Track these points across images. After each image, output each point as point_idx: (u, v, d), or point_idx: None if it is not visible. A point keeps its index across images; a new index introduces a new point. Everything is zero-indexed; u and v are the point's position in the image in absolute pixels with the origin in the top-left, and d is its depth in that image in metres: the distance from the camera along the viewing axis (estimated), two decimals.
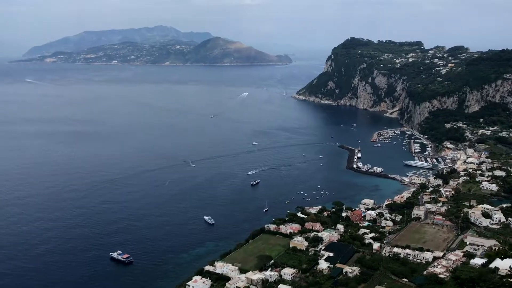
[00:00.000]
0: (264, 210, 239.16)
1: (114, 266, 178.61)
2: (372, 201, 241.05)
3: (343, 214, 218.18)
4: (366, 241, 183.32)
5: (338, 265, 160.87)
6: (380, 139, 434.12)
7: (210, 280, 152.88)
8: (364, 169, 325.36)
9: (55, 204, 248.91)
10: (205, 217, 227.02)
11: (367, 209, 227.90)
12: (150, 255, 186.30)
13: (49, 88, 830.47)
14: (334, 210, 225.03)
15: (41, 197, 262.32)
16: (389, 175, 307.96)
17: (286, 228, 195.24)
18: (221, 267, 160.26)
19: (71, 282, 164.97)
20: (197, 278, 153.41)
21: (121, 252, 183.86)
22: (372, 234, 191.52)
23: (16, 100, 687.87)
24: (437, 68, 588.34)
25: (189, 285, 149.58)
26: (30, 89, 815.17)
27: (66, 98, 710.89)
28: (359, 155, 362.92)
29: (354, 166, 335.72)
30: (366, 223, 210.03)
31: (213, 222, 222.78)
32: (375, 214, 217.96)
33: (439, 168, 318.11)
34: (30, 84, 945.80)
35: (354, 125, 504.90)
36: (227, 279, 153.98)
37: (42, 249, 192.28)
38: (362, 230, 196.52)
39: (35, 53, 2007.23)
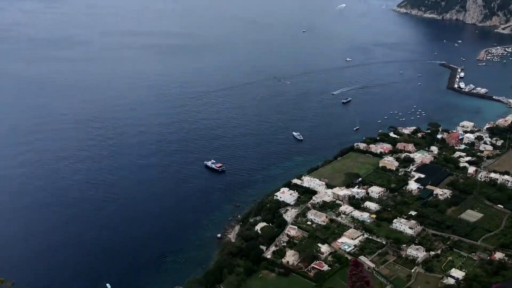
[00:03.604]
0: (354, 129, 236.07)
1: (208, 173, 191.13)
2: (472, 123, 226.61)
3: (439, 136, 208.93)
4: (461, 164, 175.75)
5: (428, 186, 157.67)
6: (488, 57, 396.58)
7: (297, 193, 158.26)
8: (466, 90, 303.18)
9: (153, 117, 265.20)
10: (294, 133, 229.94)
11: (465, 132, 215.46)
12: (240, 166, 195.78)
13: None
14: (429, 131, 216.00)
15: (135, 112, 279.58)
16: (493, 97, 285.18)
17: (377, 148, 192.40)
18: (308, 181, 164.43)
19: (171, 183, 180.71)
20: (284, 189, 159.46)
21: (214, 161, 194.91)
22: (468, 158, 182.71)
23: (116, 13, 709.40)
24: None
25: (277, 196, 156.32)
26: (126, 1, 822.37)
27: (158, 11, 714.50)
28: (462, 74, 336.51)
29: (456, 86, 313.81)
30: (462, 146, 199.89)
31: (302, 138, 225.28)
32: (474, 138, 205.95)
33: None
34: None
35: (459, 41, 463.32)
36: (314, 192, 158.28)
37: (143, 159, 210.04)
38: (457, 153, 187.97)
39: None
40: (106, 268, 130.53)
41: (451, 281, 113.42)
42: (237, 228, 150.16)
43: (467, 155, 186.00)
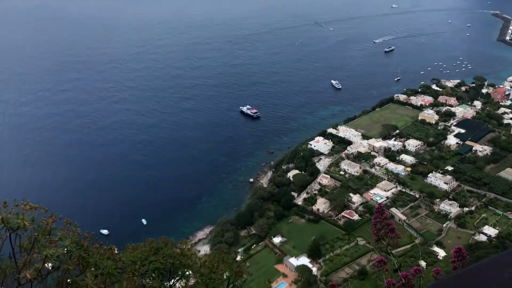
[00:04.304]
0: (395, 79, 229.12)
1: (243, 119, 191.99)
2: None
3: (483, 91, 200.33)
4: (505, 121, 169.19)
5: (468, 142, 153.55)
6: None
7: (331, 142, 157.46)
8: None
9: (190, 62, 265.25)
10: (333, 81, 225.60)
11: None
12: (276, 113, 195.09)
13: None
14: (473, 85, 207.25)
15: (173, 54, 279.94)
16: None
17: (417, 100, 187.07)
18: (344, 131, 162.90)
19: (207, 127, 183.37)
20: (319, 138, 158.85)
21: (250, 107, 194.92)
22: None
23: None
24: None
25: (311, 144, 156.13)
26: None
27: None
28: None
29: (507, 38, 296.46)
30: (508, 103, 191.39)
31: (340, 87, 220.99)
32: None
33: None
34: None
35: None
36: (349, 143, 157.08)
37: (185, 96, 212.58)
38: (502, 109, 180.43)
39: None
40: (143, 206, 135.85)
41: (482, 237, 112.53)
42: (269, 174, 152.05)
43: None
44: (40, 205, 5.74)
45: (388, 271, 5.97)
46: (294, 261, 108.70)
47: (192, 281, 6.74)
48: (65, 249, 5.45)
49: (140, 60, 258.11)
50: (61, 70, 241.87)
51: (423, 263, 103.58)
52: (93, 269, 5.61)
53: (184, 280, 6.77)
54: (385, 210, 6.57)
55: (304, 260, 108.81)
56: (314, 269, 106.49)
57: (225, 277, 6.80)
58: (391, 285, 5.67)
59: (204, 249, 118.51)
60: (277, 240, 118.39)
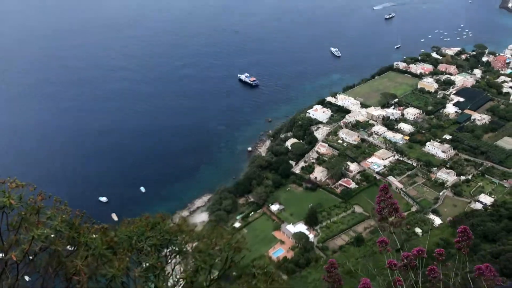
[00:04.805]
0: (395, 47, 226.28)
1: (241, 87, 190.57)
2: None
3: (484, 59, 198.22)
4: (504, 89, 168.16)
5: (466, 111, 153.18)
6: None
7: (330, 111, 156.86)
8: None
9: (187, 29, 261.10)
10: (332, 49, 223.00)
11: None
12: (274, 81, 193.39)
13: None
14: (474, 53, 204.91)
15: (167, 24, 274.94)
16: None
17: (417, 68, 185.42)
18: (342, 100, 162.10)
19: (205, 95, 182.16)
20: (317, 107, 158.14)
21: (248, 75, 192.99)
22: None
23: None
24: None
25: (309, 113, 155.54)
26: None
27: None
28: None
29: (510, 5, 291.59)
30: (508, 71, 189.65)
31: (340, 54, 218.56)
32: None
33: None
34: None
35: None
36: (347, 111, 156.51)
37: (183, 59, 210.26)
38: (502, 78, 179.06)
39: None
40: (142, 174, 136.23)
41: (478, 206, 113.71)
42: (267, 142, 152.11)
43: None
44: (28, 182, 5.51)
45: (390, 252, 5.79)
46: (292, 228, 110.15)
47: (189, 258, 6.57)
48: (54, 229, 5.24)
49: (138, 27, 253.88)
50: (55, 37, 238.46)
51: (418, 230, 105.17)
52: (83, 249, 5.41)
53: (181, 257, 6.60)
54: (388, 188, 6.34)
55: (301, 227, 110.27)
56: (311, 236, 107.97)
57: (222, 253, 6.63)
58: (392, 266, 5.50)
59: (202, 217, 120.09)
60: (275, 207, 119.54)
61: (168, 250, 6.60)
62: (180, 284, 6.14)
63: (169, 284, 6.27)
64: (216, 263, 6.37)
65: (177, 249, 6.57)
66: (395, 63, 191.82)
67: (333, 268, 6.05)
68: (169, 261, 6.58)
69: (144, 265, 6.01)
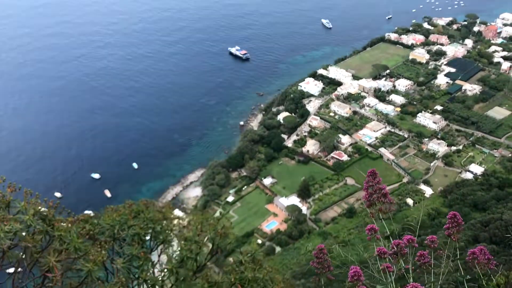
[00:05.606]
0: (386, 18, 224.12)
1: (232, 61, 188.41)
2: None
3: (475, 29, 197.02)
4: (495, 59, 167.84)
5: (458, 81, 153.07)
6: None
7: (322, 83, 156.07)
8: None
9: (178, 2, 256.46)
10: (323, 20, 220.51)
11: (505, 25, 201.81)
12: (265, 55, 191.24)
13: None
14: (465, 23, 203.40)
15: None
16: None
17: (408, 39, 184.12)
18: (334, 72, 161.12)
19: (196, 70, 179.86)
20: (309, 80, 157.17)
21: (239, 48, 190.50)
22: (504, 53, 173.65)
23: None
24: None
25: (301, 86, 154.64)
26: None
27: None
28: None
29: None
30: (499, 41, 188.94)
31: (331, 26, 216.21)
32: None
33: None
34: None
35: None
36: (339, 84, 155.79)
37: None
38: (493, 48, 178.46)
39: None
40: (134, 151, 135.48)
41: (469, 175, 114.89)
42: (259, 116, 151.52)
43: (503, 50, 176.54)
44: None
45: (379, 239, 5.58)
46: (284, 201, 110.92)
47: (175, 246, 6.34)
48: (26, 223, 4.94)
49: (126, 3, 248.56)
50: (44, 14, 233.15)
51: (410, 201, 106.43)
52: (57, 243, 5.13)
53: (166, 245, 6.36)
54: (376, 172, 6.10)
55: (294, 200, 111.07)
56: (304, 208, 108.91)
57: (208, 239, 6.41)
58: (382, 253, 5.30)
59: (196, 192, 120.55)
60: (267, 181, 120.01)
61: (151, 239, 6.36)
62: (166, 274, 5.93)
63: (155, 273, 6.06)
64: (202, 251, 6.16)
65: (161, 237, 6.34)
66: (386, 34, 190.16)
67: (322, 254, 5.85)
68: (154, 250, 6.36)
69: (127, 255, 5.78)
